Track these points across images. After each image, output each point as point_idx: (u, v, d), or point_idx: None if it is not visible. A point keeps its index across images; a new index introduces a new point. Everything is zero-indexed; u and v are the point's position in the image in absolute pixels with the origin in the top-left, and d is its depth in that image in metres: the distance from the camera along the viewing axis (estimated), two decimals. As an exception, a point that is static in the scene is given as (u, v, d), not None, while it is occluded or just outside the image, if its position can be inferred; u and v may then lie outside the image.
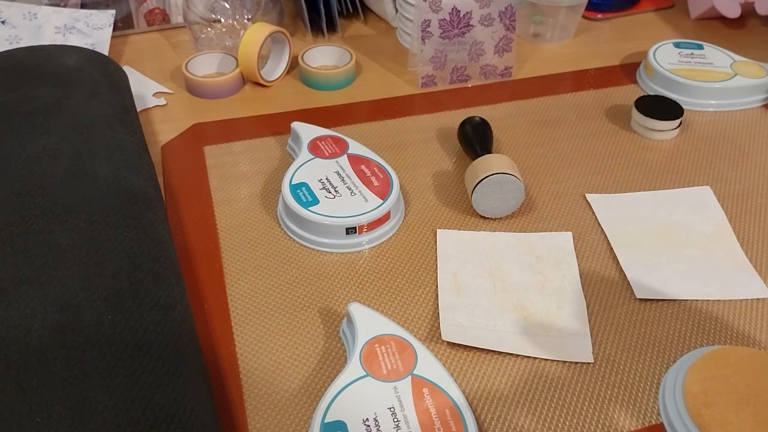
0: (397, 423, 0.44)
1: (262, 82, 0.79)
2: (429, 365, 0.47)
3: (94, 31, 0.83)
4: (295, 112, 0.76)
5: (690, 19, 0.97)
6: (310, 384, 0.49)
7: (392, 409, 0.44)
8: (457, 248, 0.59)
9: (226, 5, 0.83)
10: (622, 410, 0.48)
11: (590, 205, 0.64)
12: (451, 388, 0.46)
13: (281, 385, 0.49)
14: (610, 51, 0.89)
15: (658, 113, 0.72)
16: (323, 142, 0.65)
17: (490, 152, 0.65)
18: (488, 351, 0.51)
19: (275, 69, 0.81)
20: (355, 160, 0.63)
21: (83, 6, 0.85)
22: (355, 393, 0.45)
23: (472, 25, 0.77)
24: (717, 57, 0.81)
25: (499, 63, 0.81)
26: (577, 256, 0.59)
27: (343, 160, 0.63)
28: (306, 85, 0.80)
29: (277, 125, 0.74)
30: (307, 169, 0.62)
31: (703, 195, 0.65)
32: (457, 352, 0.51)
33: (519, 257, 0.59)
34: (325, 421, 0.44)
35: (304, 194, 0.59)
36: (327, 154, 0.64)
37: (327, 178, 0.61)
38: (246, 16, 0.84)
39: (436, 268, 0.58)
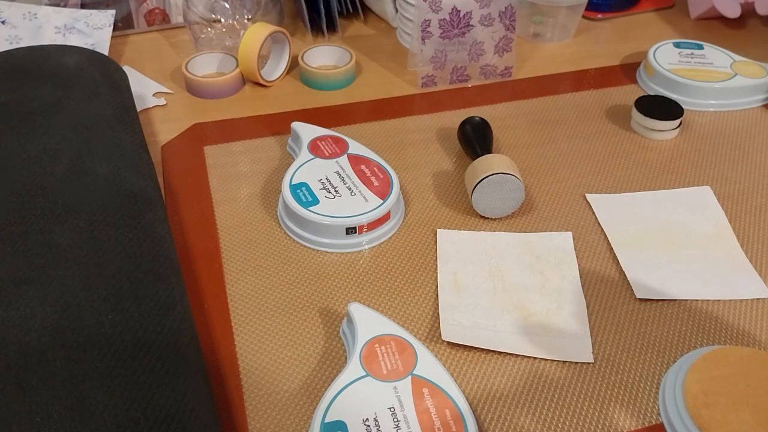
0: (397, 423, 0.44)
1: (262, 82, 0.79)
2: (429, 365, 0.47)
3: (94, 31, 0.83)
4: (295, 112, 0.76)
5: (690, 19, 0.97)
6: (310, 384, 0.49)
7: (392, 409, 0.44)
8: (457, 248, 0.59)
9: (226, 5, 0.83)
10: (622, 410, 0.48)
11: (590, 205, 0.64)
12: (451, 388, 0.46)
13: (281, 385, 0.49)
14: (610, 51, 0.89)
15: (658, 113, 0.72)
16: (323, 142, 0.65)
17: (490, 152, 0.65)
18: (488, 351, 0.51)
19: (275, 69, 0.81)
20: (355, 160, 0.63)
21: (83, 6, 0.85)
22: (355, 393, 0.45)
23: (472, 25, 0.77)
24: (717, 57, 0.81)
25: (499, 63, 0.81)
26: (577, 256, 0.59)
27: (343, 160, 0.63)
28: (306, 85, 0.80)
29: (277, 125, 0.74)
30: (307, 169, 0.62)
31: (703, 195, 0.65)
32: (457, 352, 0.51)
33: (519, 257, 0.59)
34: (325, 421, 0.44)
35: (304, 194, 0.59)
36: (327, 154, 0.64)
37: (327, 178, 0.61)
38: (246, 16, 0.84)
39: (436, 268, 0.58)
